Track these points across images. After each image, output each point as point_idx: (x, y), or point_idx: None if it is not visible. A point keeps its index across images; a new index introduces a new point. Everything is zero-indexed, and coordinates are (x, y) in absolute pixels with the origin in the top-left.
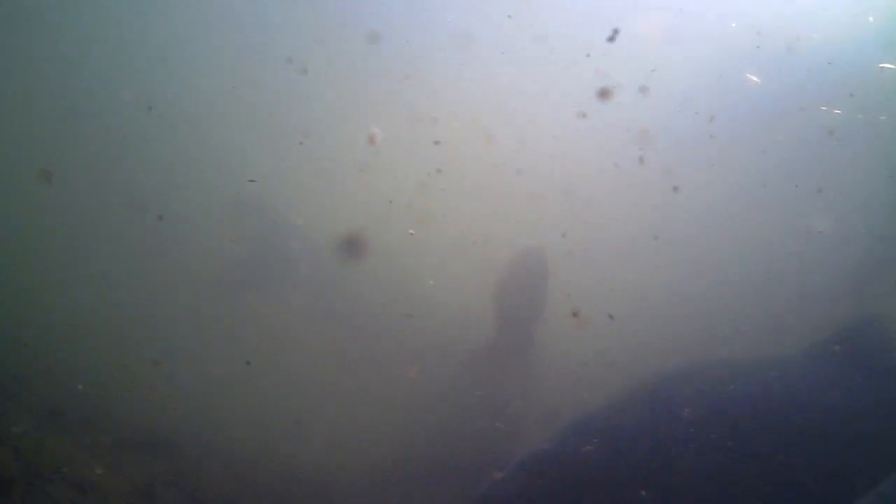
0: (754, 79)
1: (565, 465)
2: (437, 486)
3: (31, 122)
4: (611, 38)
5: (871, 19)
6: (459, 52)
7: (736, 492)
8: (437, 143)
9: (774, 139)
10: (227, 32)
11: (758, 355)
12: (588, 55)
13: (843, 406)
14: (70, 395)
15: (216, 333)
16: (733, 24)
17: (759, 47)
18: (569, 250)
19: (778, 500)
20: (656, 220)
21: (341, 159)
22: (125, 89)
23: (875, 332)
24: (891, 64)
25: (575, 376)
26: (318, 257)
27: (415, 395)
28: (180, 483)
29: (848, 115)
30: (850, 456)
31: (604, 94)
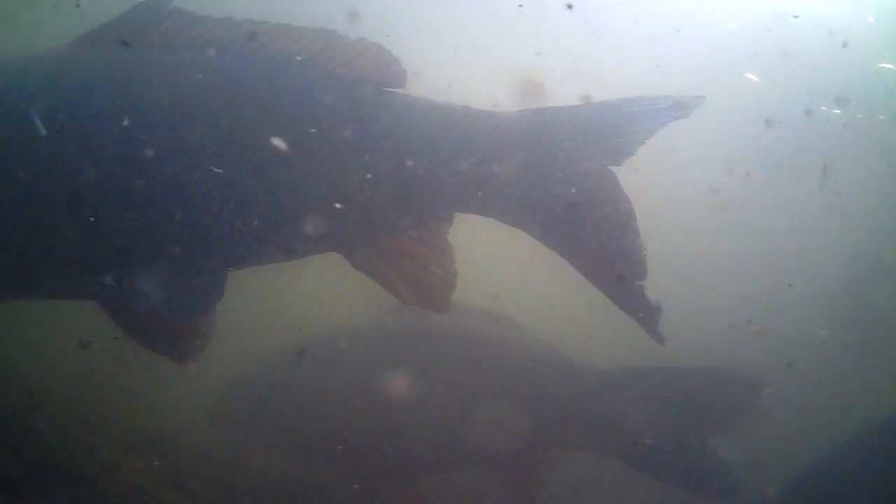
0: (754, 79)
1: None
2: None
3: None
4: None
5: (871, 19)
6: None
7: None
8: None
9: (774, 139)
10: None
11: None
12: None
13: None
14: (69, 395)
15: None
16: (733, 24)
17: (757, 47)
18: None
19: None
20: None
21: None
22: None
23: None
24: (891, 64)
25: None
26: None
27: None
28: (180, 483)
29: (848, 115)
30: None
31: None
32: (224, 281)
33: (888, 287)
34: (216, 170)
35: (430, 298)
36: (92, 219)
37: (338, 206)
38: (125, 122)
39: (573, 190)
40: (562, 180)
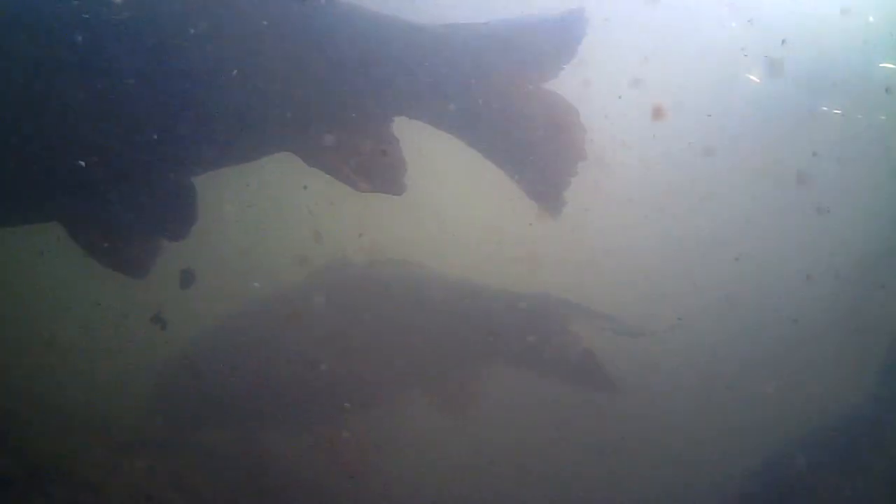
0: (754, 79)
1: None
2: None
3: None
4: None
5: (871, 19)
6: None
7: None
8: None
9: (774, 139)
10: None
11: None
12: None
13: None
14: (70, 395)
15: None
16: (733, 24)
17: (758, 47)
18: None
19: None
20: (657, 214)
21: None
22: None
23: None
24: (891, 64)
25: None
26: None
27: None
28: (180, 483)
29: (848, 115)
30: None
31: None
32: (195, 200)
33: (888, 286)
34: (168, 72)
35: (385, 184)
36: (51, 137)
37: (283, 104)
38: (76, 36)
39: (489, 94)
40: (478, 84)
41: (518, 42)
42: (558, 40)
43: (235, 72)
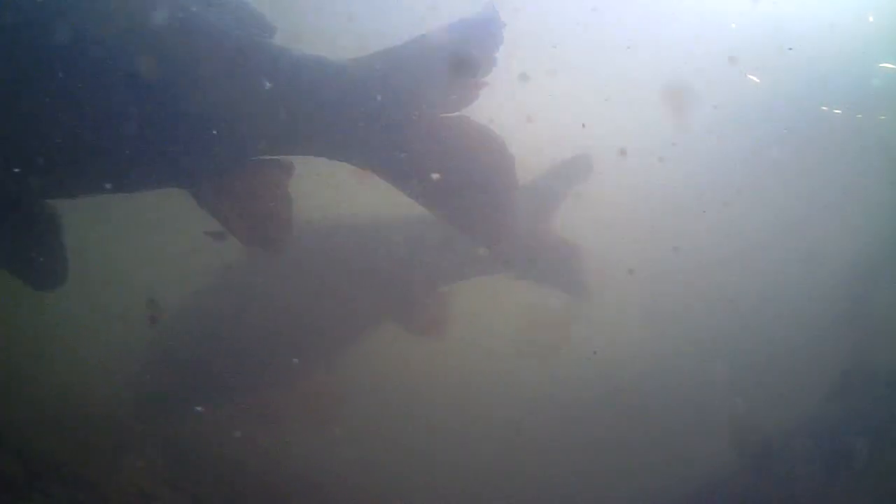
0: (754, 79)
1: None
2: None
3: None
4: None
5: (871, 19)
6: None
7: None
8: None
9: (773, 139)
10: None
11: None
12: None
13: None
14: (70, 395)
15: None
16: (733, 25)
17: (758, 47)
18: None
19: None
20: (653, 215)
21: None
22: None
23: None
24: (891, 64)
25: None
26: None
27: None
28: (179, 482)
29: (848, 115)
30: None
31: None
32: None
33: (888, 286)
34: (53, 98)
35: (268, 242)
36: None
37: (181, 140)
38: None
39: (407, 133)
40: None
41: (417, 67)
42: (471, 47)
43: (125, 95)
